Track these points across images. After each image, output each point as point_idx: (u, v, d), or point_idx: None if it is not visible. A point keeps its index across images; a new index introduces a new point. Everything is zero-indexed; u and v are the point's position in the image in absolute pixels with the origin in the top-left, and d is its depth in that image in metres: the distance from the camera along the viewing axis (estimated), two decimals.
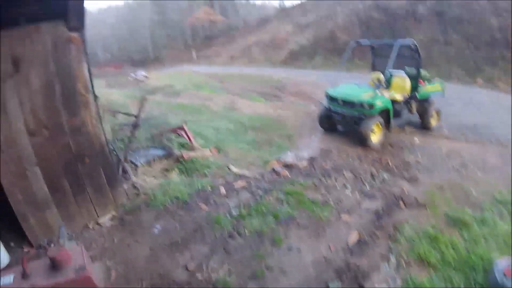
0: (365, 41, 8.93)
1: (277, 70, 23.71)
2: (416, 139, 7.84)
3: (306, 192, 5.16)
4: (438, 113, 8.63)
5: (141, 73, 22.96)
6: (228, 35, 44.20)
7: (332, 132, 8.46)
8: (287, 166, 6.29)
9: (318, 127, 8.70)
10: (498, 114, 10.74)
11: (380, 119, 7.15)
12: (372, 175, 5.87)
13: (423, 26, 22.62)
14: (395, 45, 7.33)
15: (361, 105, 7.05)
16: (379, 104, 7.02)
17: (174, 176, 5.88)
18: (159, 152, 6.58)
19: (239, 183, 5.54)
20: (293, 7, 39.92)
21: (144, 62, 43.14)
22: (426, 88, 8.26)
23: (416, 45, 7.82)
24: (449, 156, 6.81)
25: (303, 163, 6.43)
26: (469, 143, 7.81)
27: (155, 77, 22.55)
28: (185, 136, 7.23)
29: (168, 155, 6.50)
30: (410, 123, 8.73)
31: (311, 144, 7.84)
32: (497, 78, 17.88)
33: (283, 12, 40.56)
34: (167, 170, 6.15)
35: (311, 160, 6.60)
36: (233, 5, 54.40)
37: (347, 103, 7.35)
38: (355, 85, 7.96)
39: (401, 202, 4.91)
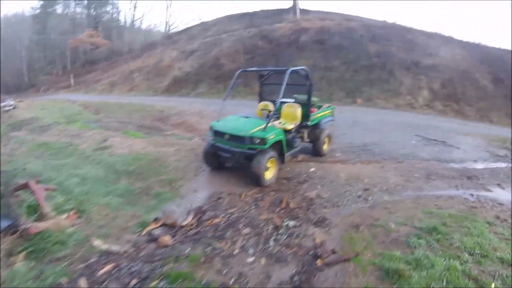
0: (253, 69, 8.38)
1: (160, 99, 22.58)
2: (312, 168, 7.32)
3: (196, 273, 3.71)
4: (330, 137, 8.58)
5: (8, 102, 20.29)
6: (111, 60, 41.93)
7: (221, 170, 7.34)
8: (169, 227, 4.85)
9: (204, 165, 7.49)
10: (383, 129, 11.61)
11: (273, 154, 6.34)
12: (275, 226, 4.81)
13: (306, 53, 24.67)
14: (286, 72, 6.81)
15: (252, 140, 6.13)
16: (271, 137, 6.23)
17: (19, 264, 3.78)
18: None
19: (105, 268, 3.81)
20: (179, 33, 39.75)
21: (19, 87, 39.10)
22: (318, 115, 8.06)
23: (307, 72, 7.55)
24: (349, 182, 6.44)
25: (189, 219, 5.04)
26: (364, 163, 7.81)
27: (27, 106, 20.01)
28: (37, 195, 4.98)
29: (11, 228, 4.23)
30: (302, 150, 8.34)
31: (198, 190, 6.52)
32: (375, 96, 20.64)
33: (169, 38, 40.00)
34: (10, 254, 3.95)
35: (199, 213, 5.25)
36: (118, 29, 52.24)
37: (236, 138, 6.34)
38: (243, 117, 7.08)
39: (318, 261, 3.90)
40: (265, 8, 39.13)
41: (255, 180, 6.20)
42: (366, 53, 23.85)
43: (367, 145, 9.32)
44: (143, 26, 58.25)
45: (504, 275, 3.62)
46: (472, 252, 4.01)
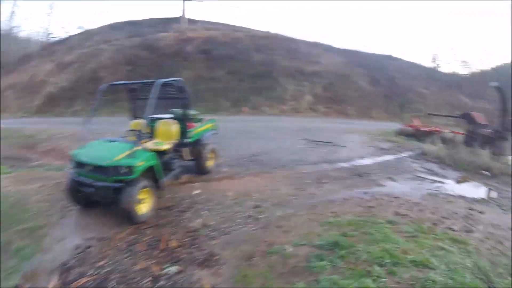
0: (121, 83, 7.00)
1: (31, 121, 18.67)
2: (197, 190, 6.24)
3: None
4: (214, 152, 7.64)
5: None
6: None
7: (92, 208, 5.80)
8: None
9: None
10: (270, 136, 11.44)
11: (146, 183, 5.10)
12: (154, 277, 3.64)
13: (191, 64, 23.74)
14: (155, 85, 5.65)
15: (117, 169, 4.81)
16: (140, 164, 4.96)
17: None
18: None
19: None
20: (59, 43, 34.28)
21: None
22: (198, 130, 7.12)
23: (182, 84, 6.50)
24: (238, 201, 5.58)
25: (52, 283, 3.57)
26: (253, 176, 7.12)
27: None
28: None
29: None
30: (185, 169, 7.20)
31: (65, 238, 4.90)
32: (261, 104, 21.00)
33: (46, 49, 33.94)
34: None
35: (64, 273, 3.78)
36: None
37: (98, 169, 4.92)
38: (108, 142, 5.63)
39: None
40: (153, 17, 36.64)
41: (127, 218, 4.88)
42: (251, 62, 24.31)
43: (255, 155, 8.81)
44: (22, 35, 49.18)
45: (423, 280, 3.29)
46: (382, 262, 3.54)
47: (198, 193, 5.94)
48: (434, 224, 5.03)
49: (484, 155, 10.29)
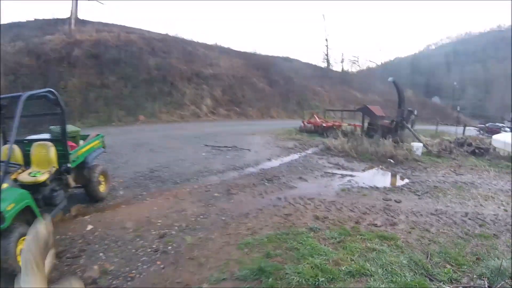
0: None
1: None
2: (90, 226, 5.05)
3: None
4: (105, 174, 6.37)
5: None
6: None
7: None
8: None
9: None
10: (170, 146, 10.70)
11: (23, 229, 3.87)
12: None
13: (79, 70, 20.85)
14: (20, 100, 4.34)
15: None
16: (10, 208, 3.74)
17: None
18: None
19: None
20: None
21: None
22: (82, 150, 5.84)
23: (55, 95, 5.12)
24: (140, 233, 4.57)
25: None
26: (155, 197, 6.12)
27: None
28: None
29: None
30: (73, 200, 5.82)
31: None
32: (158, 111, 19.77)
33: None
34: None
35: None
36: None
37: None
38: None
39: None
40: (40, 18, 31.52)
41: (7, 276, 3.63)
42: (146, 66, 22.67)
43: (155, 170, 7.87)
44: None
45: None
46: (317, 282, 3.22)
47: (91, 229, 4.85)
48: (357, 222, 5.02)
49: (386, 144, 11.20)
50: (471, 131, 28.50)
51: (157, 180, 7.18)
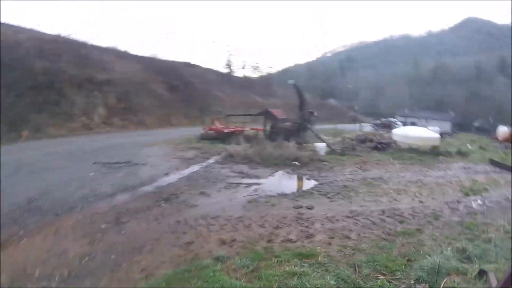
0: None
1: None
2: None
3: None
4: None
5: None
6: None
7: None
8: None
9: None
10: (55, 167, 8.95)
11: None
12: None
13: None
14: None
15: None
16: None
17: None
18: None
19: None
20: None
21: None
22: None
23: None
24: None
25: None
26: (33, 235, 4.64)
27: None
28: None
29: None
30: None
31: None
32: (44, 124, 16.74)
33: None
34: None
35: None
36: None
37: None
38: None
39: None
40: None
41: None
42: (32, 71, 19.17)
43: (34, 199, 6.20)
44: None
45: None
46: None
47: None
48: (269, 241, 4.32)
49: (290, 146, 10.93)
50: (367, 127, 31.21)
51: (37, 212, 5.56)
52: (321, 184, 7.76)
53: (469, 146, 17.38)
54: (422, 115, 58.17)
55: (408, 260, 3.79)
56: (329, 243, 4.26)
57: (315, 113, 14.41)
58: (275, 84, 53.94)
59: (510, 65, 78.13)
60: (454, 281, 3.27)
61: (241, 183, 7.64)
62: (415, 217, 5.68)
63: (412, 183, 8.17)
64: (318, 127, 16.82)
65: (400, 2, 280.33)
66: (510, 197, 7.80)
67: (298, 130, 13.07)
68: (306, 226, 4.89)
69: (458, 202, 6.96)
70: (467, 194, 7.63)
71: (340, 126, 24.92)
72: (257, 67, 62.51)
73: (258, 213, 5.50)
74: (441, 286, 3.17)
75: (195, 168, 9.23)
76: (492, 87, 73.59)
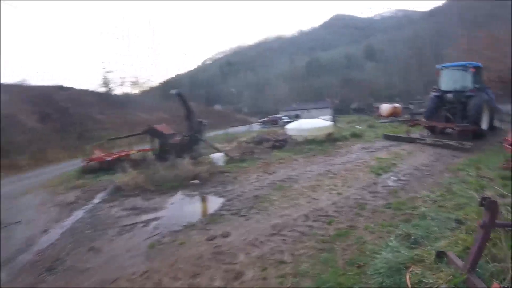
0: None
1: None
2: None
3: None
4: None
5: None
6: None
7: None
8: None
9: None
10: None
11: None
12: None
13: None
14: None
15: None
16: None
17: None
18: None
19: None
20: None
21: None
22: None
23: None
24: None
25: None
26: None
27: None
28: None
29: None
30: None
31: None
32: None
33: None
34: None
35: None
36: None
37: None
38: None
39: None
40: None
41: None
42: None
43: None
44: None
45: None
46: None
47: None
48: None
49: (184, 164, 9.76)
50: (256, 126, 31.81)
51: None
52: (229, 200, 6.89)
53: (359, 127, 18.56)
54: (305, 107, 62.57)
55: (358, 267, 3.42)
56: (264, 278, 3.52)
57: (205, 122, 13.45)
58: (158, 98, 52.07)
59: (374, 52, 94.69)
60: (416, 273, 3.04)
61: (137, 223, 6.25)
62: (341, 212, 5.35)
63: (322, 176, 7.94)
64: (210, 135, 16.03)
65: (271, 4, 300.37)
66: (418, 166, 8.33)
67: (190, 144, 11.91)
68: (229, 263, 4.01)
69: (375, 184, 6.92)
70: (378, 174, 7.72)
71: (232, 130, 24.66)
72: (137, 82, 59.73)
73: (165, 260, 4.39)
74: (408, 283, 2.92)
75: (79, 214, 7.44)
76: (362, 72, 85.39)
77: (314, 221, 5.04)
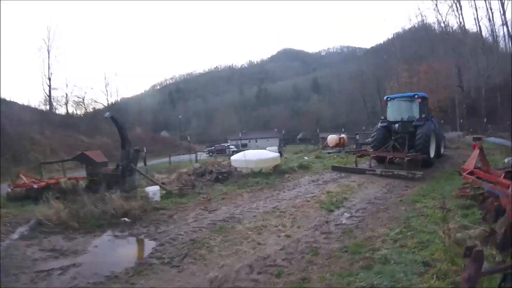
0: None
1: None
2: None
3: None
4: None
5: None
6: None
7: None
8: None
9: None
10: None
11: None
12: None
13: None
14: None
15: None
16: None
17: None
18: None
19: None
20: None
21: None
22: None
23: None
24: None
25: None
26: None
27: None
28: None
29: None
30: None
31: None
32: None
33: None
34: None
35: None
36: None
37: None
38: None
39: None
40: None
41: None
42: None
43: None
44: None
45: None
46: None
47: None
48: None
49: (115, 198, 8.41)
50: (203, 155, 30.82)
51: None
52: (161, 245, 5.78)
53: (306, 158, 18.21)
54: (252, 136, 62.78)
55: None
56: None
57: (143, 151, 12.16)
58: (103, 121, 50.00)
59: (320, 85, 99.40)
60: None
61: (53, 269, 4.96)
62: (292, 260, 4.55)
63: (269, 214, 7.10)
64: (151, 162, 14.70)
65: (222, 34, 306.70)
66: (371, 199, 7.89)
67: (123, 175, 10.45)
68: None
69: (327, 222, 6.24)
70: (330, 210, 7.09)
71: (177, 158, 23.60)
72: (82, 102, 56.68)
73: None
74: None
75: None
76: (309, 104, 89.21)
77: (259, 273, 4.18)
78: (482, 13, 64.56)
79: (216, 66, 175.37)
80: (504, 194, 4.86)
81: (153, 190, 9.35)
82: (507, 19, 43.94)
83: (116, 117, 11.17)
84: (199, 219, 7.26)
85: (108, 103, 65.05)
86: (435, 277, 3.59)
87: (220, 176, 11.77)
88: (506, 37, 47.02)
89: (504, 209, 5.29)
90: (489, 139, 22.63)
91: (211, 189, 10.30)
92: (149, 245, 5.92)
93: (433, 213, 6.24)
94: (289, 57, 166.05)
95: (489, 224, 5.16)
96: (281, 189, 9.95)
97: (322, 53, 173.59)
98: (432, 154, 12.85)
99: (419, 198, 7.63)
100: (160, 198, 9.24)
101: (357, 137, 26.52)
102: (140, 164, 11.75)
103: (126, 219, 7.54)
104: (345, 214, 6.78)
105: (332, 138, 24.55)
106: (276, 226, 6.11)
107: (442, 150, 15.42)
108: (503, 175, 6.66)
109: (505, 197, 4.85)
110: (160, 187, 9.98)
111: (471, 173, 6.84)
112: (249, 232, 5.89)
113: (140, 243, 6.28)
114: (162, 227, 6.85)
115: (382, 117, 14.37)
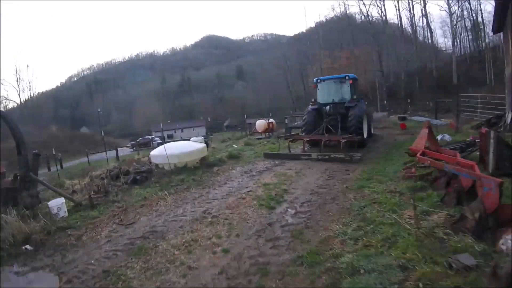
0: None
1: None
2: None
3: None
4: None
5: None
6: None
7: None
8: None
9: None
10: None
11: None
12: None
13: None
14: None
15: None
16: None
17: None
18: None
19: None
20: None
21: None
22: None
23: None
24: None
25: None
26: None
27: None
28: None
29: None
30: None
31: None
32: None
33: None
34: None
35: None
36: None
37: None
38: None
39: None
40: None
41: None
42: None
43: None
44: None
45: None
46: None
47: None
48: None
49: (12, 219, 6.40)
50: (126, 150, 28.36)
51: None
52: (68, 282, 4.25)
53: (235, 146, 17.20)
54: (178, 126, 60.41)
55: None
56: None
57: (41, 154, 9.84)
58: (16, 121, 44.11)
59: (245, 72, 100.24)
60: None
61: None
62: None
63: (199, 222, 5.75)
64: (68, 164, 12.44)
65: (143, 20, 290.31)
66: (314, 189, 7.09)
67: (21, 188, 8.23)
68: None
69: (270, 224, 5.17)
70: (271, 208, 6.02)
71: (97, 157, 21.31)
72: None
73: None
74: None
75: None
76: (233, 91, 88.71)
77: None
78: (403, 5, 69.82)
79: (137, 54, 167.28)
80: (479, 177, 4.31)
81: (57, 205, 7.31)
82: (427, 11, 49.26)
83: (6, 115, 8.85)
84: (113, 238, 5.63)
85: (20, 101, 58.73)
86: (421, 285, 2.97)
87: (138, 177, 9.94)
88: (425, 27, 52.77)
89: (467, 190, 4.84)
90: (413, 118, 23.69)
91: (128, 195, 8.52)
92: (53, 283, 4.35)
93: (386, 199, 5.61)
94: (212, 44, 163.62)
95: (450, 207, 4.68)
96: (210, 185, 8.59)
97: (246, 41, 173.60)
98: (365, 135, 12.76)
99: (365, 183, 6.98)
100: (68, 213, 7.38)
101: (286, 121, 26.14)
102: (43, 170, 9.60)
103: (27, 246, 5.71)
104: (289, 210, 5.80)
105: (260, 124, 23.92)
106: (210, 238, 4.86)
107: (372, 130, 15.57)
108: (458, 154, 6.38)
109: (477, 180, 4.31)
110: (66, 198, 8.03)
111: (423, 153, 6.38)
112: (176, 252, 4.56)
113: (44, 281, 4.61)
114: (69, 255, 5.16)
115: (313, 100, 13.93)
